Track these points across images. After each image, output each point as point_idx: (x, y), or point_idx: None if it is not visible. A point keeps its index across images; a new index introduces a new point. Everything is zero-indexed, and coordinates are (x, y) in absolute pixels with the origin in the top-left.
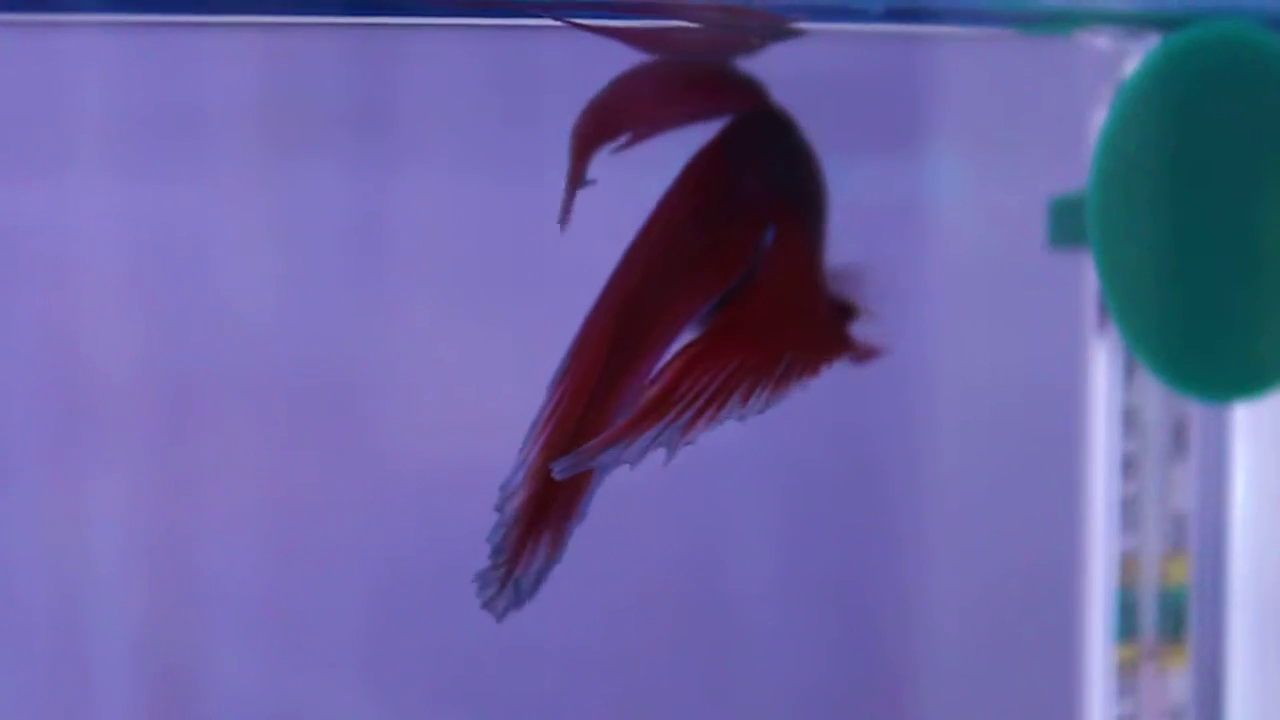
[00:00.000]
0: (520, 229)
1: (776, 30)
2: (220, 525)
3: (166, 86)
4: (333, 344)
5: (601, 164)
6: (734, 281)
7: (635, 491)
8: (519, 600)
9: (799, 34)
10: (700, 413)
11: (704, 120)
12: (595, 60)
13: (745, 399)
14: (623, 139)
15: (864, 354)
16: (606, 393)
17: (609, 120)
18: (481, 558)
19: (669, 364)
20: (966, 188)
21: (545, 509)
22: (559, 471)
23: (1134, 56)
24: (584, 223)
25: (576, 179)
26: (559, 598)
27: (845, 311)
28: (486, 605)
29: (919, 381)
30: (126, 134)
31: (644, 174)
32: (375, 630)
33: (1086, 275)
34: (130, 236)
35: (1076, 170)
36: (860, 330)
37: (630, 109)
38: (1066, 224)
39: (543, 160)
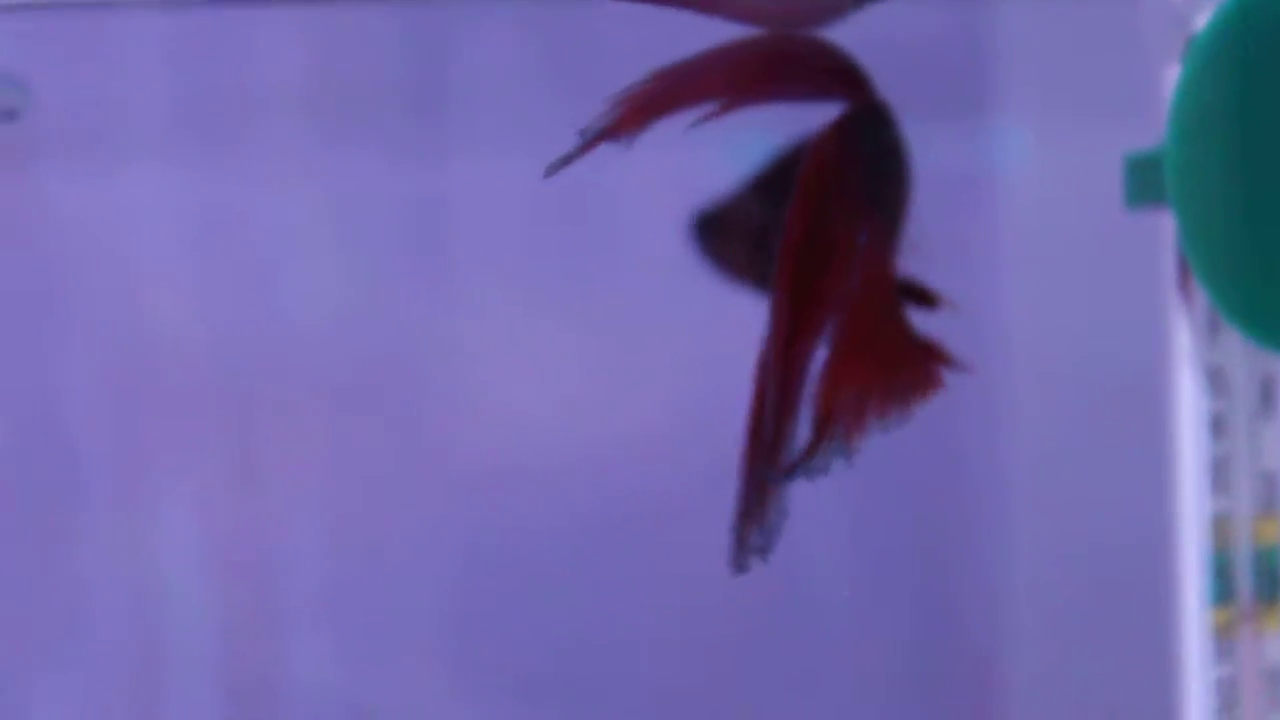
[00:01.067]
0: (580, 212)
1: None
2: (290, 521)
3: (219, 69)
4: (393, 334)
5: (667, 145)
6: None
7: (715, 484)
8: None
9: None
10: (854, 427)
11: (794, 100)
12: (663, 34)
13: (882, 413)
14: (699, 111)
15: (948, 362)
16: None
17: (677, 89)
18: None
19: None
20: (1041, 150)
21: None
22: (775, 482)
23: (1205, 11)
24: (641, 207)
25: (609, 137)
26: (636, 593)
27: (925, 302)
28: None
29: (999, 351)
30: (181, 119)
31: (707, 157)
32: (451, 625)
33: (1166, 233)
34: (187, 226)
35: (1152, 128)
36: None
37: (707, 81)
38: (1144, 182)
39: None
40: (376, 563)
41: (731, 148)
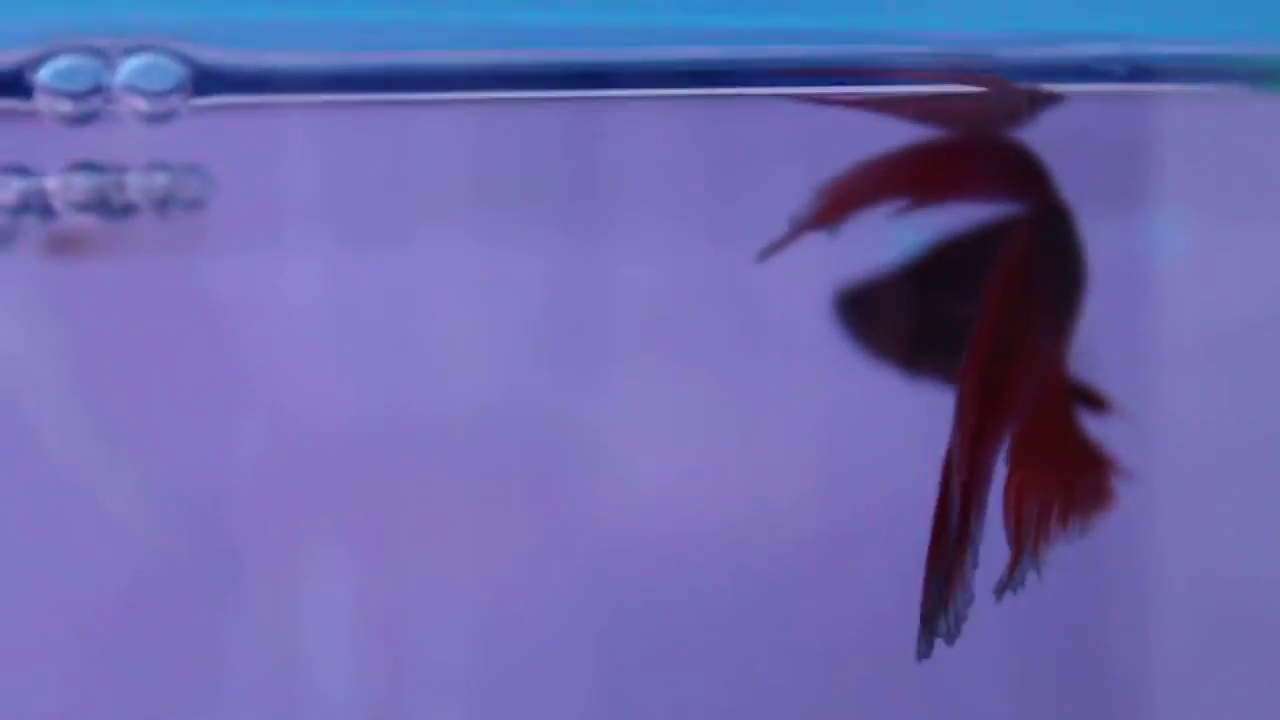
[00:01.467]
0: (733, 301)
1: (1041, 96)
2: (435, 605)
3: (383, 162)
4: (544, 419)
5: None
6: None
7: (843, 545)
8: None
9: (1058, 99)
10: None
11: (982, 199)
12: (819, 129)
13: (1065, 525)
14: (893, 204)
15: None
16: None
17: (875, 183)
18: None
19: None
20: (1206, 249)
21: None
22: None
23: None
24: (788, 293)
25: (816, 226)
26: (776, 665)
27: (1097, 407)
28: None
29: (1159, 444)
30: (347, 212)
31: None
32: (594, 705)
33: None
34: (347, 310)
35: None
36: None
37: (902, 177)
38: None
39: (756, 231)
40: (519, 646)
41: (876, 236)
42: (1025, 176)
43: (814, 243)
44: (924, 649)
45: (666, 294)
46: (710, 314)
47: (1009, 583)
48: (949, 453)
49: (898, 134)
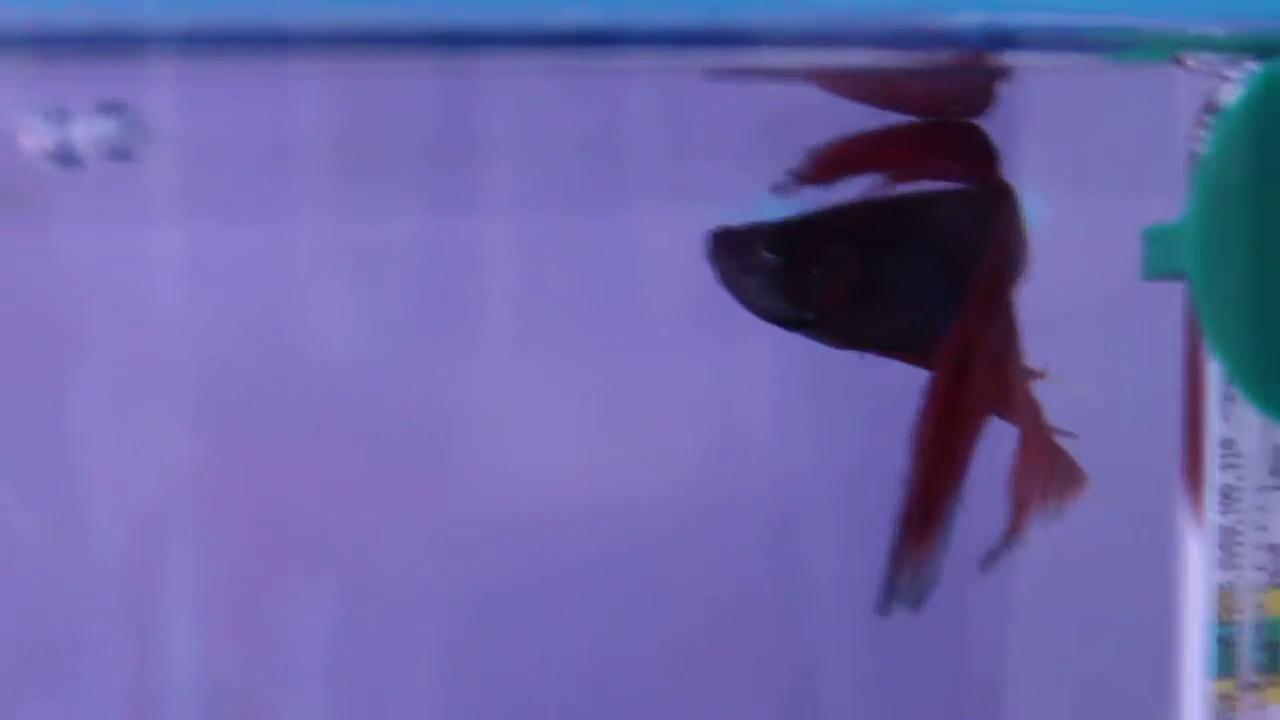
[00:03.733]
0: (597, 268)
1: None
2: (300, 565)
3: (244, 126)
4: (411, 383)
5: (684, 202)
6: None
7: (711, 510)
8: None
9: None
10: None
11: (949, 178)
12: (684, 98)
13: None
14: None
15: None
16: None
17: (860, 155)
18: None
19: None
20: (1060, 219)
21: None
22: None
23: (1233, 84)
24: (659, 262)
25: (807, 182)
26: (646, 632)
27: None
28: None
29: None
30: (203, 172)
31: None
32: (449, 674)
33: (1182, 305)
34: (207, 278)
35: (1173, 200)
36: None
37: (886, 153)
38: (1162, 254)
39: (619, 199)
40: (378, 608)
41: (744, 207)
42: (984, 159)
43: (690, 211)
44: (884, 608)
45: (538, 261)
46: (581, 282)
47: (1000, 550)
48: (919, 432)
49: (769, 101)
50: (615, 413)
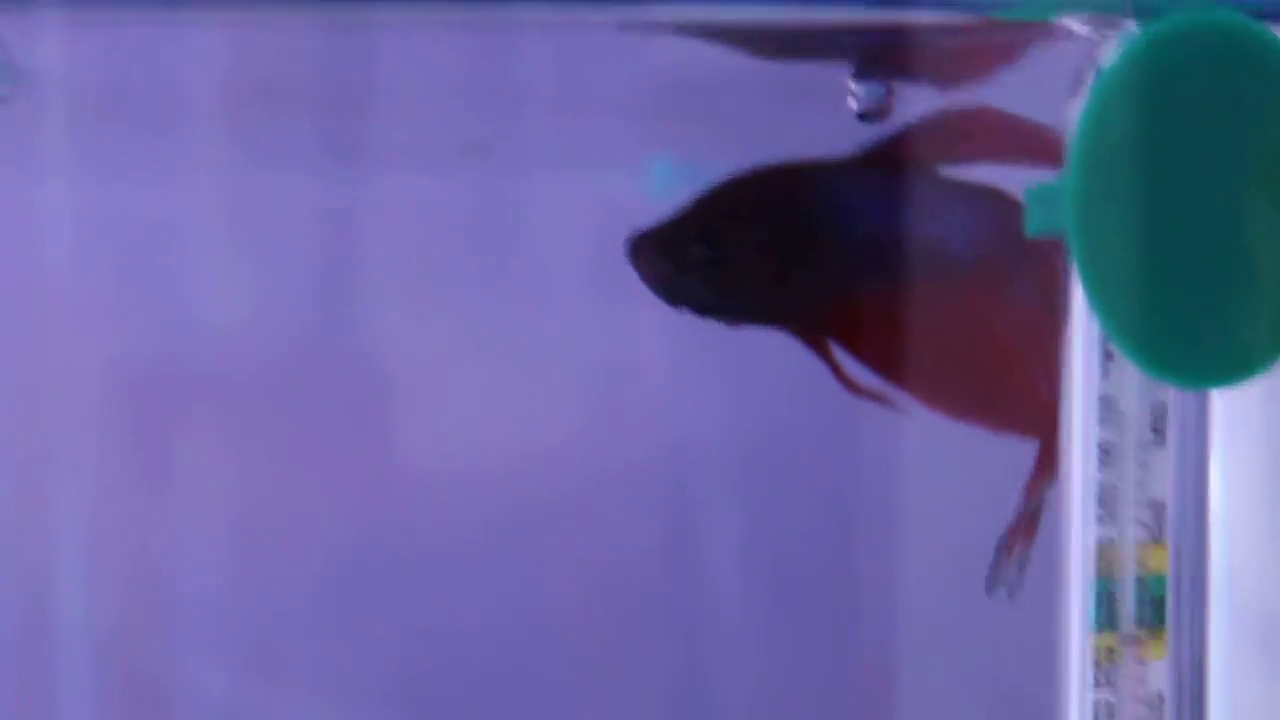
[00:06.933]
0: (494, 227)
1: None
2: (187, 532)
3: (132, 79)
4: (303, 346)
5: (582, 166)
6: None
7: (606, 474)
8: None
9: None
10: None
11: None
12: (582, 52)
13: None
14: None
15: None
16: None
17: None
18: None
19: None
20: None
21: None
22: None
23: (1113, 44)
24: (557, 225)
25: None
26: (531, 602)
27: None
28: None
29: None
30: (90, 128)
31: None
32: (338, 633)
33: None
34: (95, 236)
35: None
36: None
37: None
38: (1044, 213)
39: (518, 155)
40: (269, 570)
41: (643, 169)
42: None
43: (583, 174)
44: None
45: (432, 220)
46: (478, 241)
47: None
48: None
49: (665, 61)
50: (510, 375)
